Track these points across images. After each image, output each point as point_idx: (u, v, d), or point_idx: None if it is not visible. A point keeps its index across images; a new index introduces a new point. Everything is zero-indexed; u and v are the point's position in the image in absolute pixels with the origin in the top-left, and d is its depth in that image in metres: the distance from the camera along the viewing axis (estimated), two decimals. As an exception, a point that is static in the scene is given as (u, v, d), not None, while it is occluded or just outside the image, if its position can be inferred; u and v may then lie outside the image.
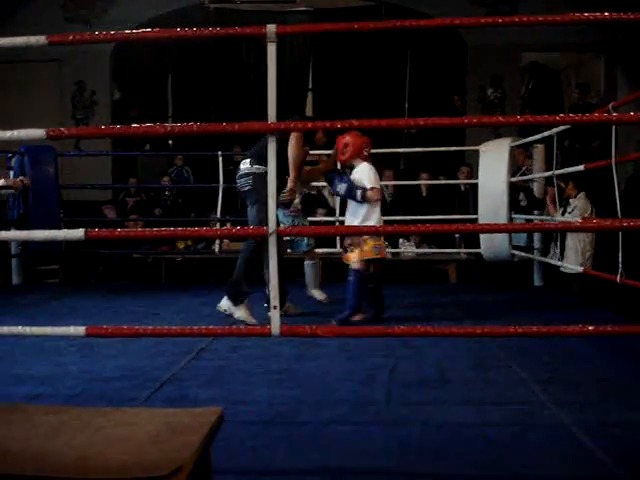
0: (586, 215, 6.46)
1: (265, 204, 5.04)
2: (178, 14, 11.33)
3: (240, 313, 5.15)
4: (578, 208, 6.52)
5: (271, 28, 2.64)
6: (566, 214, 6.66)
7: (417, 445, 2.69)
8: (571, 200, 6.75)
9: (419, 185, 9.34)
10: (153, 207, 10.11)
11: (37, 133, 2.73)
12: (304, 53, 11.91)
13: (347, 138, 5.23)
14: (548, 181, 7.63)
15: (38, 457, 1.76)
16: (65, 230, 2.69)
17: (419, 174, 9.26)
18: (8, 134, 2.79)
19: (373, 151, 8.28)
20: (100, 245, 8.22)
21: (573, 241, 6.63)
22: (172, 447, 1.78)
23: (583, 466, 2.52)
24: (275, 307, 2.72)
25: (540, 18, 2.78)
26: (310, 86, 12.11)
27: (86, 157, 10.04)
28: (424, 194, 9.31)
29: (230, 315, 5.21)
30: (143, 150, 11.09)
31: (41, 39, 2.82)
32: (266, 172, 4.99)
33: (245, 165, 5.34)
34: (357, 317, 5.12)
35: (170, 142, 11.94)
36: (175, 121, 10.87)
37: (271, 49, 2.65)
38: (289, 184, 5.22)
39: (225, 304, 5.27)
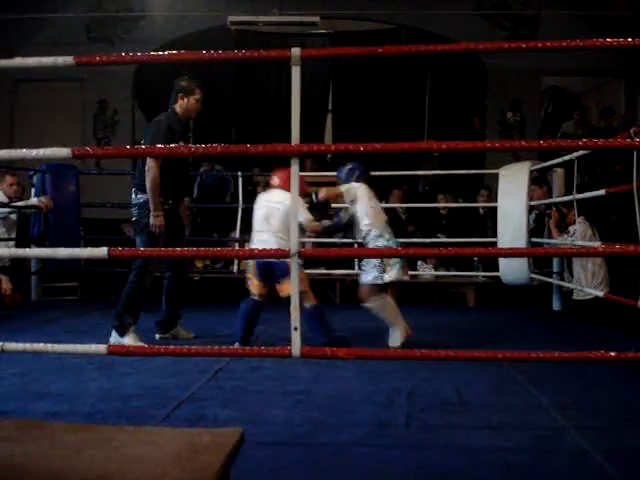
0: (587, 238, 6.42)
1: (150, 234, 5.12)
2: (200, 35, 11.43)
3: (129, 341, 5.14)
4: (578, 232, 6.48)
5: (296, 51, 2.67)
6: (568, 239, 6.63)
7: (436, 469, 2.67)
8: (570, 227, 6.71)
9: (438, 207, 9.32)
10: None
11: (63, 152, 2.76)
12: (324, 75, 11.95)
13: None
14: (548, 206, 7.61)
15: (59, 474, 1.77)
16: (89, 248, 2.71)
17: (437, 196, 9.27)
18: (34, 152, 2.82)
19: (389, 173, 8.34)
20: (119, 263, 8.24)
21: (581, 266, 6.59)
22: (194, 467, 1.79)
23: (604, 493, 2.50)
24: (296, 328, 2.72)
25: (563, 43, 2.79)
26: (330, 108, 12.15)
27: (107, 176, 10.11)
28: (444, 215, 9.27)
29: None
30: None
31: (68, 59, 2.86)
32: (146, 201, 5.12)
33: (132, 195, 5.34)
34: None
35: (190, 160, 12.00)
36: (196, 141, 10.92)
37: (295, 71, 2.67)
38: (152, 220, 5.13)
39: (113, 338, 5.21)
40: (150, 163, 4.95)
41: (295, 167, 2.64)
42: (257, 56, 2.78)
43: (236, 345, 4.96)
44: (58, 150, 2.75)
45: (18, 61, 2.92)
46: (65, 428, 2.25)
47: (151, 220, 5.12)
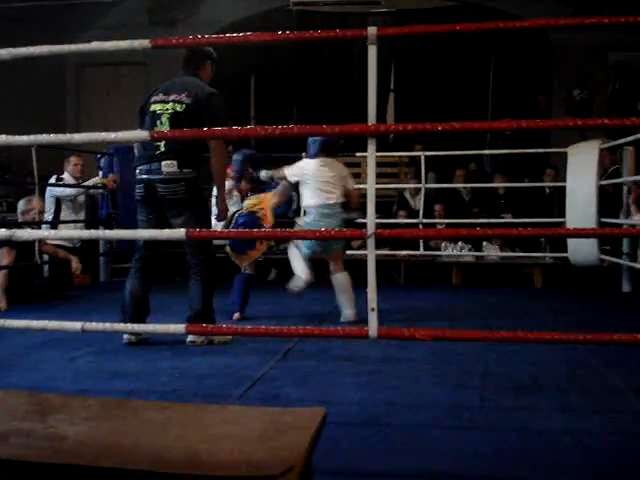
0: None
1: (204, 213, 4.67)
2: (261, 16, 11.46)
3: (218, 338, 4.71)
4: None
5: (372, 30, 2.65)
6: None
7: (514, 451, 2.65)
8: None
9: (497, 187, 9.20)
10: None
11: (141, 135, 2.79)
12: (386, 54, 11.87)
13: None
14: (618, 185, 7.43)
15: (150, 452, 1.80)
16: (167, 230, 2.75)
17: (494, 176, 9.18)
18: (112, 136, 2.86)
19: (454, 153, 8.24)
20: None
21: None
22: (280, 446, 1.80)
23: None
24: (373, 309, 2.71)
25: (631, 19, 2.71)
26: (392, 87, 12.06)
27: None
28: (501, 194, 9.13)
29: (210, 342, 4.71)
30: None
31: (144, 42, 2.88)
32: (197, 177, 4.55)
33: (171, 168, 4.43)
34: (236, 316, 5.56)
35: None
36: (258, 123, 10.97)
37: (372, 51, 2.65)
38: (220, 204, 4.73)
39: (193, 337, 4.64)
40: (221, 145, 4.50)
41: (372, 147, 2.62)
42: (334, 36, 2.75)
43: (237, 315, 5.53)
44: (137, 133, 2.79)
45: (95, 45, 2.95)
46: (148, 406, 2.29)
47: (220, 205, 4.73)
